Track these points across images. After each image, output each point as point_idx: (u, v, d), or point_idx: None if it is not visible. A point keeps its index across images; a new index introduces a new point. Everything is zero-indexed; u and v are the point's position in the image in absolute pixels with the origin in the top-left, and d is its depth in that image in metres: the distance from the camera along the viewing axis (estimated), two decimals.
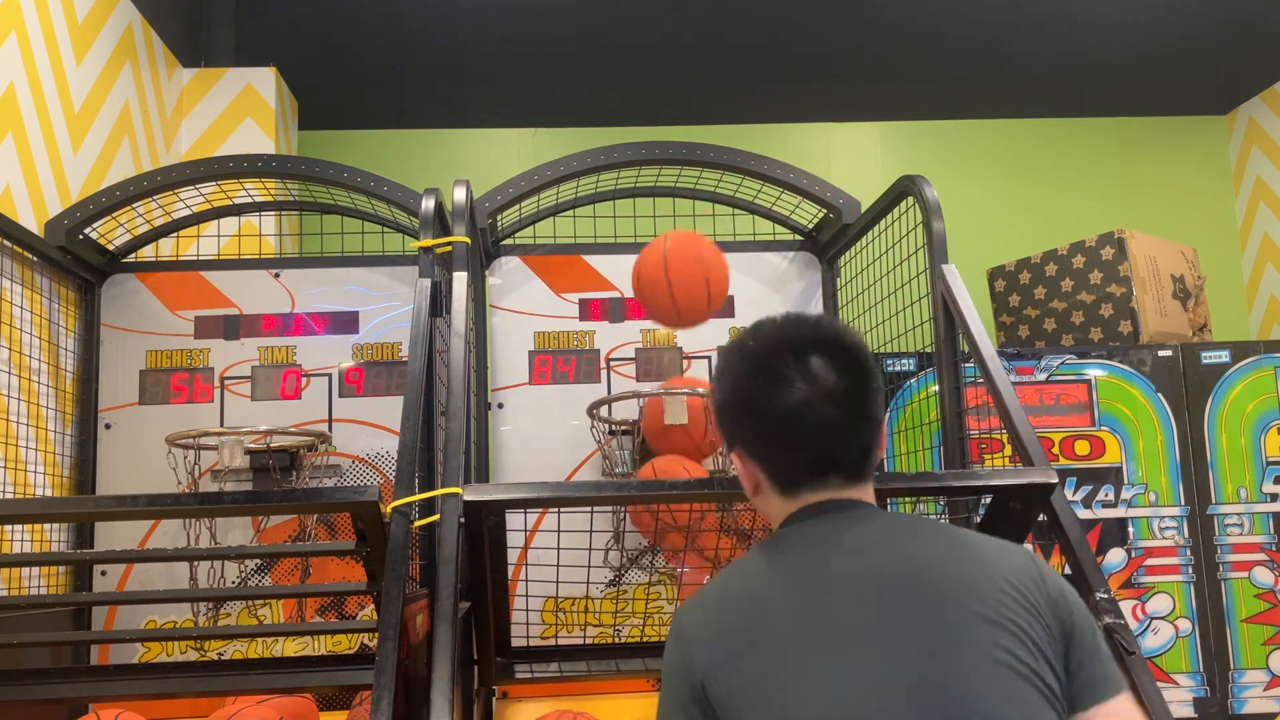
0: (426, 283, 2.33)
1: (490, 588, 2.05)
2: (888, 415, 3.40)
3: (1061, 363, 3.48)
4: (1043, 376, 3.47)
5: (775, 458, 1.19)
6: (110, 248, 3.15)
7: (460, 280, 2.33)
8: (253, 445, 2.88)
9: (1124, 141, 5.41)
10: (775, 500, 1.21)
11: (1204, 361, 3.50)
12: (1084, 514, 3.39)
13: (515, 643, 2.37)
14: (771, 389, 1.15)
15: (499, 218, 3.14)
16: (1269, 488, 3.44)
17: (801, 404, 1.14)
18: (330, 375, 3.16)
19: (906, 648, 1.01)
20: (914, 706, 0.98)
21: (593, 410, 3.00)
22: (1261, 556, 3.40)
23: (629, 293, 3.28)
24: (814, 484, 1.18)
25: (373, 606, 2.32)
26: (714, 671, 1.04)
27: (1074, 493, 3.40)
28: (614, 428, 3.07)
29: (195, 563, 2.88)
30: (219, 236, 3.44)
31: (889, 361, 3.39)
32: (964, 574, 1.08)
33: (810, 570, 1.10)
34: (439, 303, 2.38)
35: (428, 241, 2.42)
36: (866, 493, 1.21)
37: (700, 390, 2.84)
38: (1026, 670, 1.02)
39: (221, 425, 3.07)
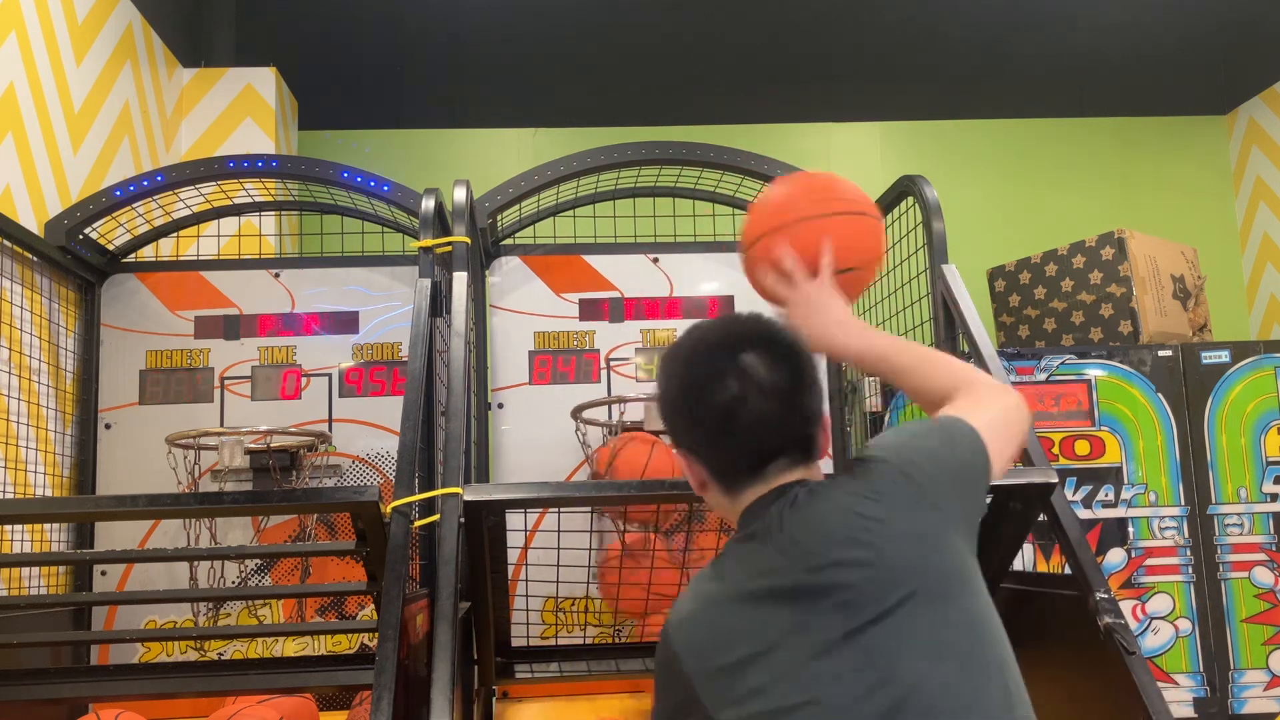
0: (426, 283, 2.33)
1: (490, 588, 2.05)
2: (887, 416, 3.40)
3: (1061, 363, 3.48)
4: (1043, 376, 3.47)
5: (715, 454, 1.21)
6: (110, 248, 3.15)
7: (460, 280, 2.33)
8: (253, 445, 2.88)
9: (1124, 141, 5.41)
10: (721, 497, 1.23)
11: (1204, 361, 3.50)
12: (1084, 514, 3.39)
13: (515, 643, 2.37)
14: (705, 387, 1.18)
15: (499, 218, 3.14)
16: (1269, 488, 3.44)
17: (734, 400, 1.16)
18: (330, 375, 3.16)
19: (853, 652, 1.04)
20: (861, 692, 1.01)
21: (577, 413, 3.01)
22: (1261, 556, 3.40)
23: (629, 293, 3.29)
24: (753, 477, 1.19)
25: (373, 606, 2.32)
26: (698, 678, 1.07)
27: (1074, 493, 3.40)
28: (605, 431, 3.07)
29: (195, 563, 2.88)
30: (219, 236, 3.44)
31: None
32: (866, 554, 1.09)
33: (749, 597, 1.11)
34: (439, 303, 2.38)
35: (428, 241, 2.42)
36: (811, 472, 1.22)
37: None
38: (956, 626, 1.07)
39: (221, 425, 3.07)
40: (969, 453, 1.20)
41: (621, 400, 3.01)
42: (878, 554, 1.09)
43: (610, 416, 3.10)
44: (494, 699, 2.80)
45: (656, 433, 2.94)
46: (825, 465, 1.29)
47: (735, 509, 1.21)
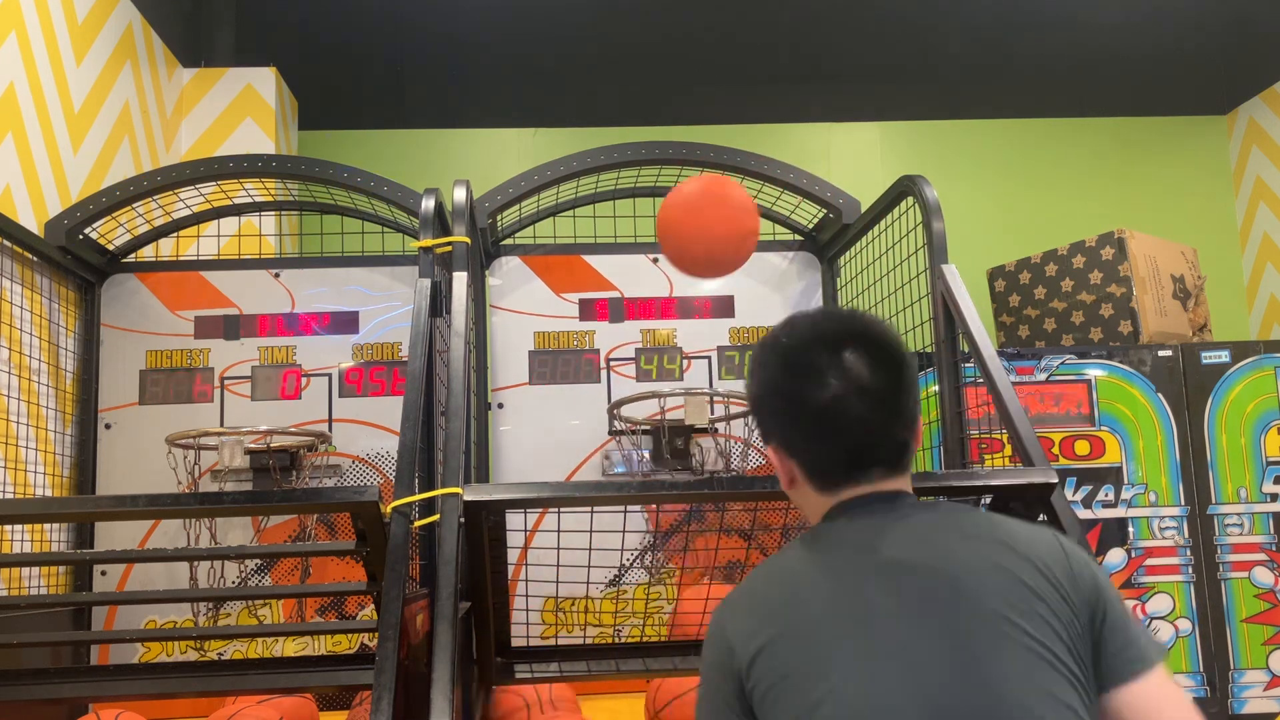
0: (426, 283, 2.33)
1: (490, 588, 2.05)
2: None
3: (1061, 363, 3.48)
4: (1043, 376, 3.47)
5: (810, 453, 1.19)
6: (110, 248, 3.15)
7: (460, 280, 2.33)
8: (253, 445, 2.88)
9: (1124, 141, 5.41)
10: (811, 495, 1.21)
11: (1204, 361, 3.49)
12: (1084, 514, 3.39)
13: (515, 643, 2.37)
14: (805, 384, 1.15)
15: (499, 218, 3.14)
16: (1269, 488, 3.43)
17: (834, 399, 1.13)
18: (330, 375, 3.16)
19: (943, 645, 1.02)
20: (949, 701, 0.99)
21: (614, 410, 3.00)
22: (1261, 556, 3.40)
23: (629, 293, 3.29)
24: (850, 479, 1.17)
25: (373, 606, 2.32)
26: (754, 666, 1.05)
27: (1074, 493, 3.40)
28: (635, 427, 3.05)
29: (195, 563, 2.88)
30: (219, 236, 3.44)
31: None
32: (999, 569, 1.08)
33: (848, 566, 1.10)
34: (439, 303, 2.38)
35: (428, 241, 2.42)
36: (905, 483, 1.20)
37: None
38: (1058, 662, 1.03)
39: (221, 425, 3.07)
40: (1141, 637, 1.11)
41: (657, 395, 2.96)
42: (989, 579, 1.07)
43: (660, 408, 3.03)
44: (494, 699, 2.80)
45: (698, 428, 2.91)
46: None
47: (821, 508, 1.20)
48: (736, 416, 3.09)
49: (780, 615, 1.08)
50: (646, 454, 3.04)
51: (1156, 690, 1.06)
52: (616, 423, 3.02)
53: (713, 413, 3.02)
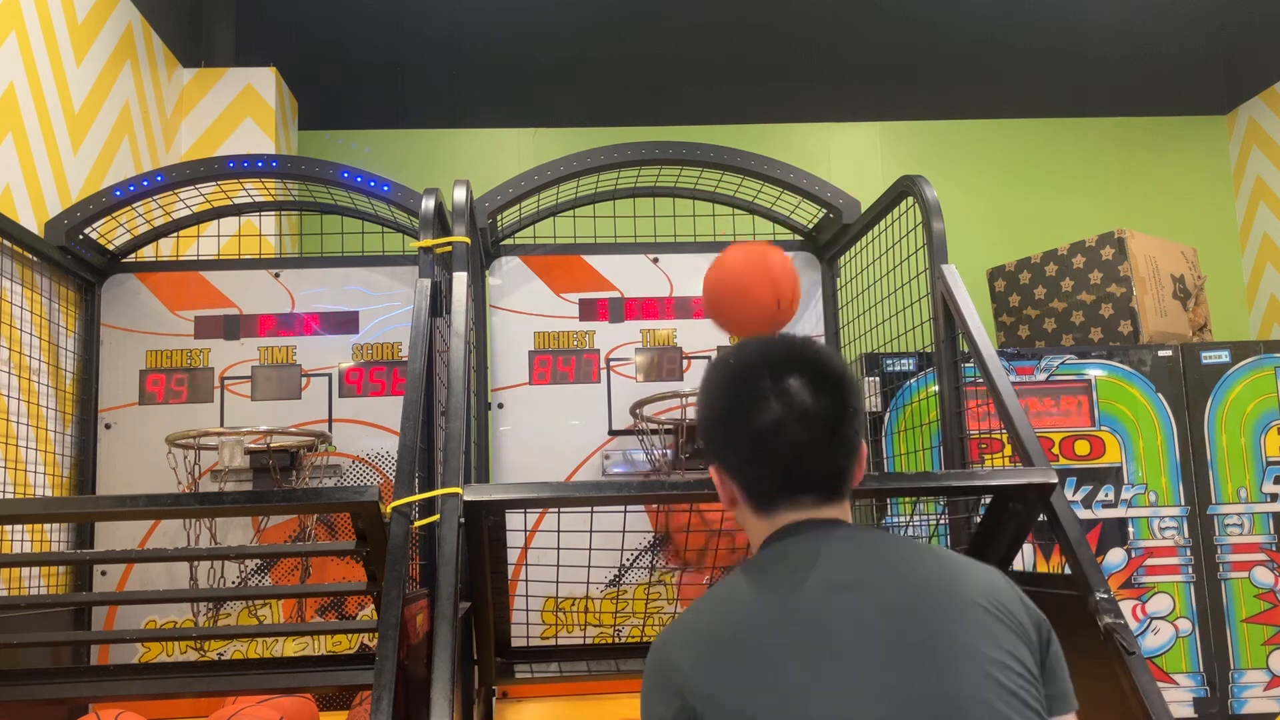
0: (426, 283, 2.33)
1: (490, 588, 2.05)
2: (887, 416, 3.40)
3: (1061, 363, 3.48)
4: (1043, 376, 3.47)
5: (749, 475, 1.20)
6: (110, 248, 3.15)
7: (460, 280, 2.33)
8: (253, 445, 2.88)
9: (1124, 141, 5.41)
10: (750, 517, 1.22)
11: (1204, 361, 3.50)
12: (1084, 514, 3.39)
13: (515, 643, 2.37)
14: (747, 407, 1.17)
15: (499, 218, 3.14)
16: (1269, 488, 3.44)
17: (774, 423, 1.15)
18: (330, 375, 3.16)
19: (899, 670, 1.02)
20: None
21: (635, 409, 2.99)
22: (1261, 556, 3.40)
23: (629, 293, 3.28)
24: (787, 503, 1.18)
25: (373, 606, 2.32)
26: (707, 700, 1.03)
27: (1074, 493, 3.40)
28: (657, 426, 3.04)
29: (195, 563, 2.88)
30: (219, 236, 3.44)
31: (889, 361, 3.39)
32: (951, 594, 1.09)
33: (795, 592, 1.09)
34: (439, 303, 2.38)
35: (428, 241, 2.42)
36: (844, 511, 1.21)
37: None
38: (1016, 687, 1.04)
39: (221, 425, 3.07)
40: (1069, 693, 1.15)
41: (678, 395, 2.95)
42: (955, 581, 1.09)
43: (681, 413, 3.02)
44: (494, 699, 2.80)
45: None
46: None
47: (766, 528, 1.20)
48: None
49: (731, 650, 1.06)
50: (669, 454, 3.03)
51: None
52: (640, 423, 3.01)
53: None
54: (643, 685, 1.12)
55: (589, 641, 2.84)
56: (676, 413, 2.97)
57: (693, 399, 2.93)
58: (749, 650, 1.05)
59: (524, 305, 3.25)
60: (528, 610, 2.74)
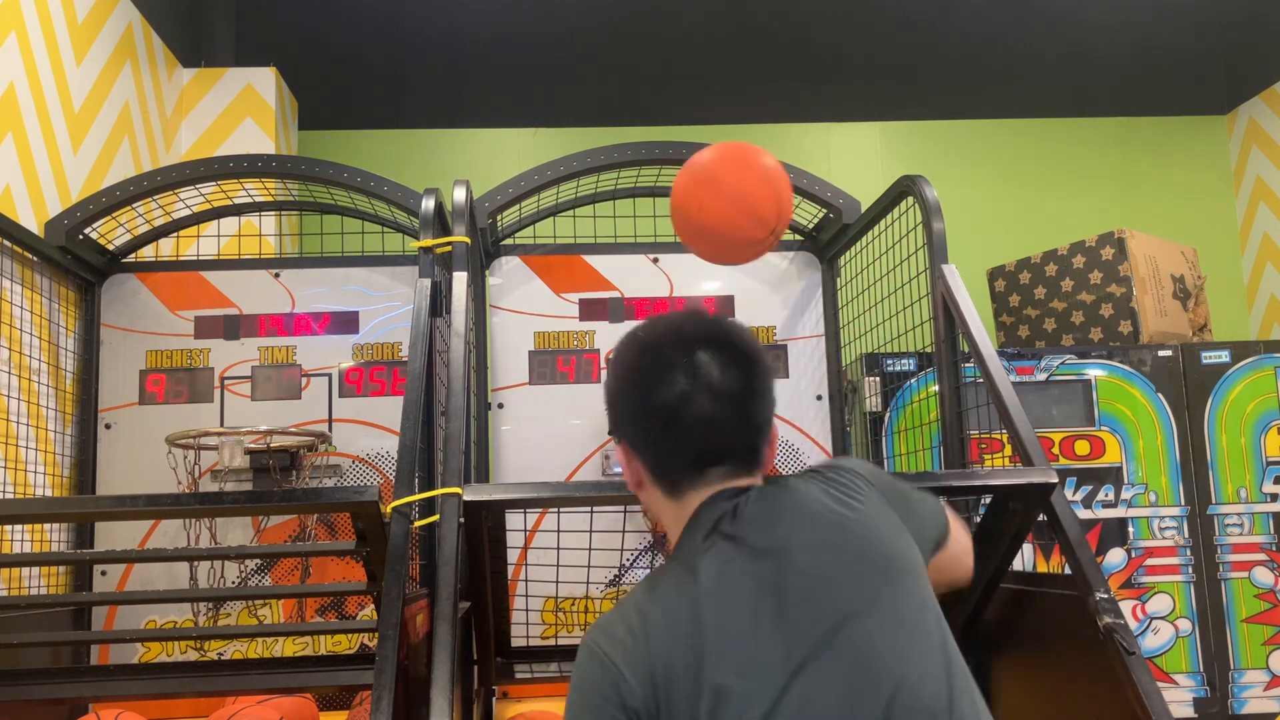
0: (426, 283, 2.33)
1: (490, 588, 2.05)
2: (887, 416, 3.40)
3: (1061, 363, 3.48)
4: (1043, 376, 3.47)
5: (655, 451, 1.17)
6: (110, 248, 3.15)
7: (460, 280, 2.33)
8: (253, 445, 2.88)
9: (1124, 141, 5.41)
10: (658, 497, 1.19)
11: (1204, 361, 3.50)
12: (1084, 514, 3.39)
13: (515, 643, 2.37)
14: (654, 381, 1.15)
15: (499, 218, 3.14)
16: (1269, 488, 3.44)
17: (680, 397, 1.13)
18: (330, 375, 3.16)
19: (813, 642, 1.02)
20: (853, 685, 1.00)
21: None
22: (1261, 556, 3.40)
23: (629, 293, 3.29)
24: (694, 481, 1.15)
25: (373, 606, 2.32)
26: (651, 697, 1.01)
27: (1074, 493, 3.40)
28: None
29: (195, 563, 2.88)
30: (219, 236, 3.44)
31: (889, 361, 3.39)
32: (842, 555, 1.09)
33: (705, 583, 1.07)
34: (439, 303, 2.38)
35: (428, 241, 2.42)
36: (754, 479, 1.19)
37: None
38: (925, 597, 1.09)
39: (221, 425, 3.07)
40: (930, 503, 1.26)
41: None
42: (858, 542, 1.09)
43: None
44: (494, 699, 2.80)
45: None
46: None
47: (675, 512, 1.17)
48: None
49: (673, 642, 1.03)
50: None
51: (958, 544, 1.29)
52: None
53: None
54: (575, 684, 1.08)
55: None
56: None
57: None
58: (689, 647, 1.03)
59: (524, 305, 3.25)
60: (528, 610, 2.74)
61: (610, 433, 1.25)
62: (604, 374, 3.19)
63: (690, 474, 1.16)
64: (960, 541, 1.31)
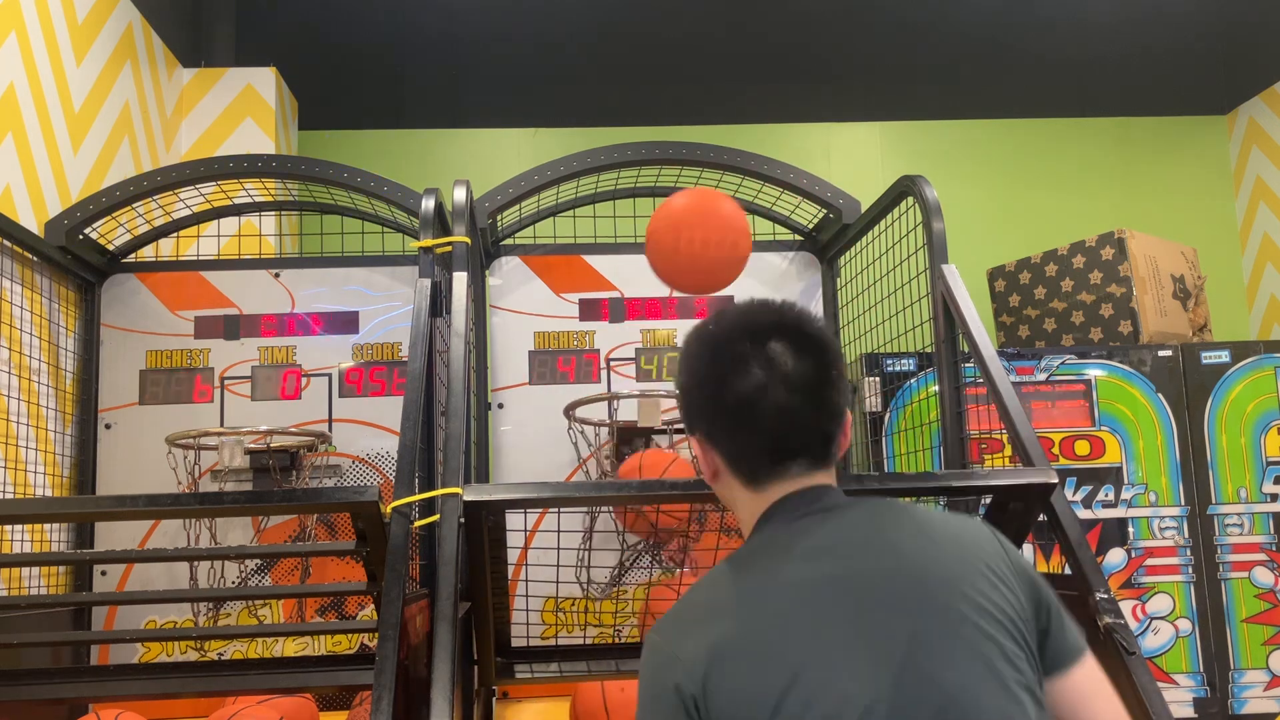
0: (426, 283, 2.33)
1: (490, 588, 2.05)
2: (887, 416, 3.40)
3: (1061, 363, 3.48)
4: (1043, 376, 3.47)
5: (733, 443, 1.17)
6: (110, 248, 3.15)
7: (460, 280, 2.33)
8: (253, 445, 2.88)
9: (1124, 141, 5.41)
10: (737, 488, 1.19)
11: (1204, 361, 3.50)
12: (1084, 514, 3.39)
13: (515, 643, 2.37)
14: (729, 373, 1.14)
15: (499, 218, 3.14)
16: (1269, 488, 3.44)
17: (757, 389, 1.12)
18: (330, 375, 3.16)
19: (896, 647, 1.00)
20: (906, 702, 0.98)
21: (570, 411, 3.01)
22: (1261, 556, 3.40)
23: (629, 292, 3.29)
24: (773, 471, 1.15)
25: (373, 606, 2.31)
26: (708, 690, 1.01)
27: (1074, 493, 3.40)
28: (596, 429, 3.08)
29: (195, 563, 2.88)
30: (219, 236, 3.44)
31: (889, 361, 3.39)
32: (943, 563, 1.07)
33: (788, 576, 1.07)
34: (439, 303, 2.38)
35: (428, 241, 2.42)
36: (831, 478, 1.19)
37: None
38: (1013, 656, 1.03)
39: (221, 425, 3.07)
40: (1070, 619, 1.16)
41: (615, 396, 3.00)
42: (963, 552, 1.08)
43: (609, 414, 3.09)
44: (494, 699, 2.80)
45: (652, 430, 2.94)
46: None
47: (753, 505, 1.17)
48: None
49: (730, 638, 1.03)
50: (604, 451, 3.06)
51: (1092, 675, 1.13)
52: (573, 425, 3.03)
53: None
54: (641, 681, 1.09)
55: (589, 641, 2.83)
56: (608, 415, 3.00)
57: (628, 398, 2.97)
58: (747, 644, 1.03)
59: (524, 305, 3.25)
60: (528, 610, 2.74)
61: (683, 427, 1.24)
62: (604, 373, 3.21)
63: (771, 466, 1.16)
64: (1097, 680, 1.14)
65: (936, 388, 2.60)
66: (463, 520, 1.90)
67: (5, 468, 2.69)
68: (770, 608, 1.05)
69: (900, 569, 1.06)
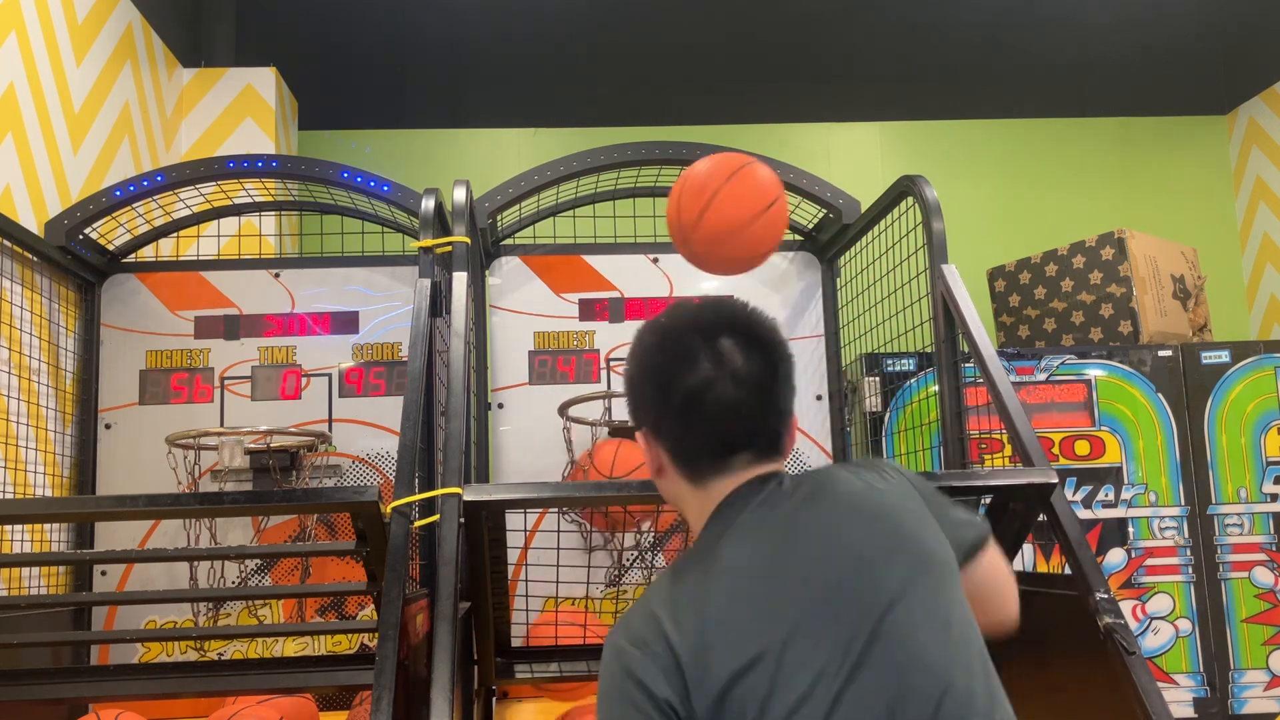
0: (426, 283, 2.33)
1: (490, 588, 2.05)
2: (887, 416, 3.40)
3: (1061, 363, 3.48)
4: (1043, 376, 3.47)
5: (677, 437, 1.17)
6: (110, 248, 3.15)
7: (460, 280, 2.33)
8: (253, 445, 2.88)
9: (1124, 141, 5.41)
10: (681, 485, 1.19)
11: (1204, 361, 3.50)
12: (1084, 514, 3.39)
13: (515, 643, 2.37)
14: (677, 367, 1.15)
15: (499, 218, 3.14)
16: (1269, 488, 3.43)
17: (703, 383, 1.13)
18: (330, 375, 3.16)
19: (855, 623, 1.01)
20: (873, 675, 0.99)
21: (564, 410, 3.01)
22: (1261, 556, 3.40)
23: (629, 293, 3.29)
24: (715, 465, 1.15)
25: (373, 606, 2.32)
26: (681, 688, 1.00)
27: (1074, 493, 3.40)
28: (594, 429, 3.07)
29: (195, 563, 2.88)
30: (219, 236, 3.44)
31: (889, 361, 3.39)
32: (882, 539, 1.09)
33: (741, 566, 1.07)
34: (439, 303, 2.38)
35: (428, 241, 2.42)
36: (775, 465, 1.18)
37: None
38: (959, 603, 1.08)
39: (221, 425, 3.07)
40: (965, 511, 1.23)
41: (609, 395, 2.99)
42: (896, 526, 1.10)
43: (602, 414, 3.09)
44: (494, 699, 2.80)
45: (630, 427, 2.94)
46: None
47: (699, 501, 1.17)
48: None
49: (698, 638, 1.02)
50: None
51: (993, 564, 1.22)
52: (567, 425, 3.04)
53: None
54: (601, 683, 1.07)
55: (589, 642, 2.83)
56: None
57: (622, 397, 2.97)
58: (714, 643, 1.02)
59: (524, 305, 3.25)
60: (528, 610, 2.74)
61: (630, 420, 1.24)
62: (604, 373, 3.21)
63: (714, 461, 1.16)
64: (999, 568, 1.24)
65: (936, 388, 2.60)
66: (462, 520, 1.90)
67: (5, 468, 2.69)
68: (727, 600, 1.05)
69: (844, 549, 1.08)
